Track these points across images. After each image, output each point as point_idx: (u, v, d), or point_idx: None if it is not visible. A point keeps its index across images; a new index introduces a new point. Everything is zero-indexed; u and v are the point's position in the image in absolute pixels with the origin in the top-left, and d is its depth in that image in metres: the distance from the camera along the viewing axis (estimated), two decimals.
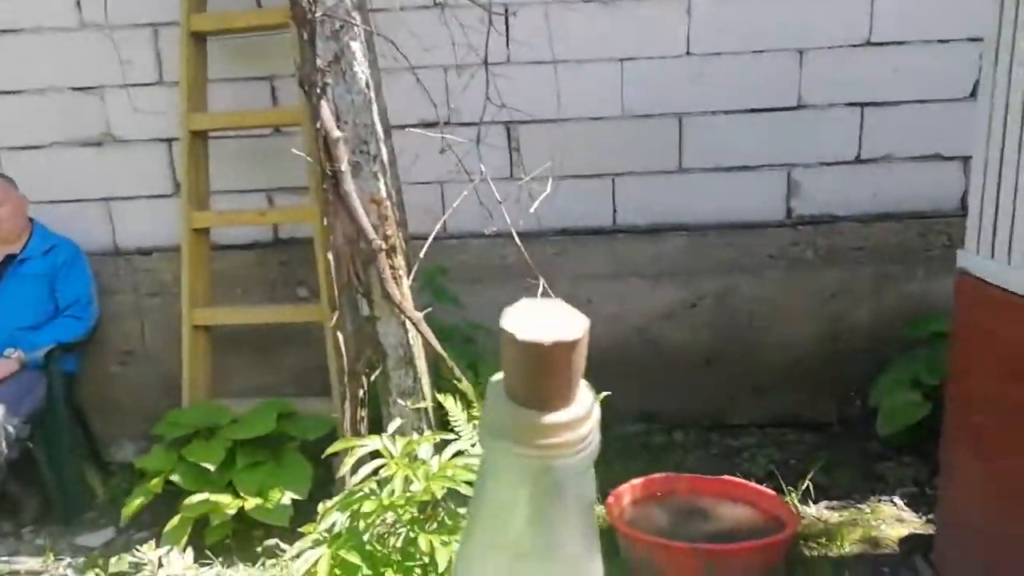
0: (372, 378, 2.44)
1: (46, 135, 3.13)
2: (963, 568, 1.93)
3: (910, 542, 2.26)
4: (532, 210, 2.53)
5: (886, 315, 3.04)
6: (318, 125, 2.21)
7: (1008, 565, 1.75)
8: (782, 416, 2.93)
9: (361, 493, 1.79)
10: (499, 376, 0.30)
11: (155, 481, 2.54)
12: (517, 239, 2.45)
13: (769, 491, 2.35)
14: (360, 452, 1.77)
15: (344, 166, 2.23)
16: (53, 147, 3.15)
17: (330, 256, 2.45)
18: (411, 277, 2.43)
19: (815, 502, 2.55)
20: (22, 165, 3.12)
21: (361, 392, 2.45)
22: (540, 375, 0.28)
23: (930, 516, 2.41)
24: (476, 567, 0.30)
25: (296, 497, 2.51)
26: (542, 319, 0.28)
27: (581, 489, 0.29)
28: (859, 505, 2.55)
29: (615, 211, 3.13)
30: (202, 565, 2.38)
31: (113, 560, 2.45)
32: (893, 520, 2.47)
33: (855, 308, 3.09)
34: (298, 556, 1.75)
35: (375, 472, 1.78)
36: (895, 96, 3.00)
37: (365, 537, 1.74)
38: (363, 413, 2.44)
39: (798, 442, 2.94)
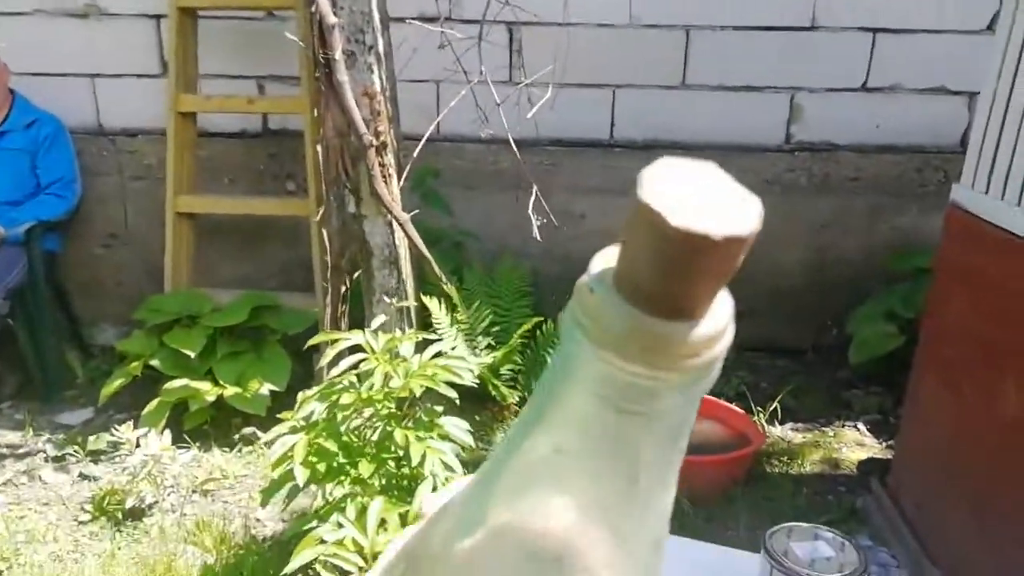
0: (356, 276, 2.44)
1: (28, 1, 3.00)
2: (916, 491, 2.01)
3: (868, 465, 2.33)
4: (530, 115, 2.47)
5: (874, 248, 3.05)
6: (313, 9, 2.12)
7: (959, 491, 1.81)
8: (759, 341, 2.97)
9: (340, 385, 1.81)
10: (607, 265, 0.22)
11: (135, 364, 2.56)
12: (513, 145, 2.41)
13: (738, 410, 2.41)
14: (341, 345, 1.78)
15: (338, 55, 2.15)
16: (36, 15, 3.02)
17: (319, 149, 2.40)
18: (402, 177, 2.39)
19: (781, 423, 2.62)
20: (3, 32, 2.99)
21: (344, 288, 2.44)
22: (693, 276, 0.21)
23: (890, 443, 2.49)
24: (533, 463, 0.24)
25: (275, 388, 2.54)
26: (697, 194, 0.20)
27: (685, 421, 0.23)
28: (823, 428, 2.62)
29: (613, 124, 3.07)
30: (179, 448, 2.43)
31: (92, 438, 2.49)
32: (854, 444, 2.55)
33: (844, 239, 3.09)
34: (274, 441, 1.78)
35: (354, 367, 1.80)
36: (910, 24, 2.91)
37: (342, 428, 1.77)
38: (344, 309, 2.44)
39: (771, 367, 3.00)
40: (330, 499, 1.75)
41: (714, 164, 0.22)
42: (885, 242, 3.04)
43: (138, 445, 2.25)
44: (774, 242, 3.06)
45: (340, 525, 1.68)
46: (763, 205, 0.22)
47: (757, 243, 0.22)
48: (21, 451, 2.52)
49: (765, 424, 2.56)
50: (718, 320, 0.22)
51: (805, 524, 1.19)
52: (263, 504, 1.92)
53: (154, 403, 2.47)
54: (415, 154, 2.36)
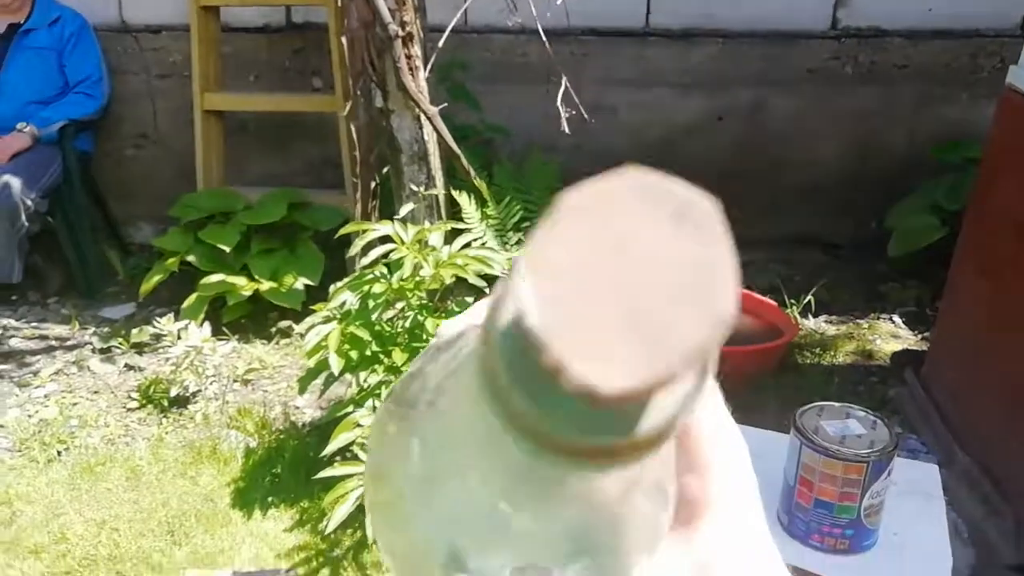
0: (385, 172, 2.42)
1: None
2: (949, 381, 1.99)
3: (902, 356, 2.32)
4: (560, 1, 2.37)
5: (919, 140, 2.93)
6: None
7: (993, 380, 1.80)
8: (794, 234, 2.91)
9: (371, 275, 1.82)
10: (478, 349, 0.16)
11: (172, 260, 2.60)
12: (543, 34, 2.32)
13: (771, 302, 2.39)
14: (371, 235, 1.79)
15: None
16: None
17: (343, 41, 2.34)
18: (427, 69, 2.33)
19: (815, 316, 2.60)
20: None
21: (373, 184, 2.43)
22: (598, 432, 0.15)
23: (926, 335, 2.46)
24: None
25: (309, 283, 2.58)
26: (628, 277, 0.12)
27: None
28: (858, 321, 2.60)
29: (648, 11, 2.94)
30: (219, 340, 2.50)
31: (135, 331, 2.57)
32: (889, 336, 2.53)
33: (888, 130, 2.96)
34: (309, 331, 1.82)
35: (384, 256, 1.81)
36: None
37: (374, 316, 1.80)
38: (375, 205, 2.44)
39: (806, 260, 2.95)
40: (365, 386, 1.80)
41: (698, 195, 0.13)
42: (931, 134, 2.92)
43: (179, 337, 2.32)
44: (813, 134, 2.96)
45: (375, 410, 1.72)
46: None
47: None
48: (69, 343, 2.61)
49: (798, 316, 2.54)
50: (662, 411, 0.15)
51: (836, 403, 1.19)
52: (300, 392, 1.98)
53: (192, 297, 2.52)
54: (439, 44, 2.29)
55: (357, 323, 1.79)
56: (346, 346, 1.79)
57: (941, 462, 1.90)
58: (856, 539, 1.12)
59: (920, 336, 2.50)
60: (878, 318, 2.61)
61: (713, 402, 0.25)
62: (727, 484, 0.25)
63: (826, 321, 2.59)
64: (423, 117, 2.30)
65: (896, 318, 2.61)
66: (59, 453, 2.11)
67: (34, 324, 2.73)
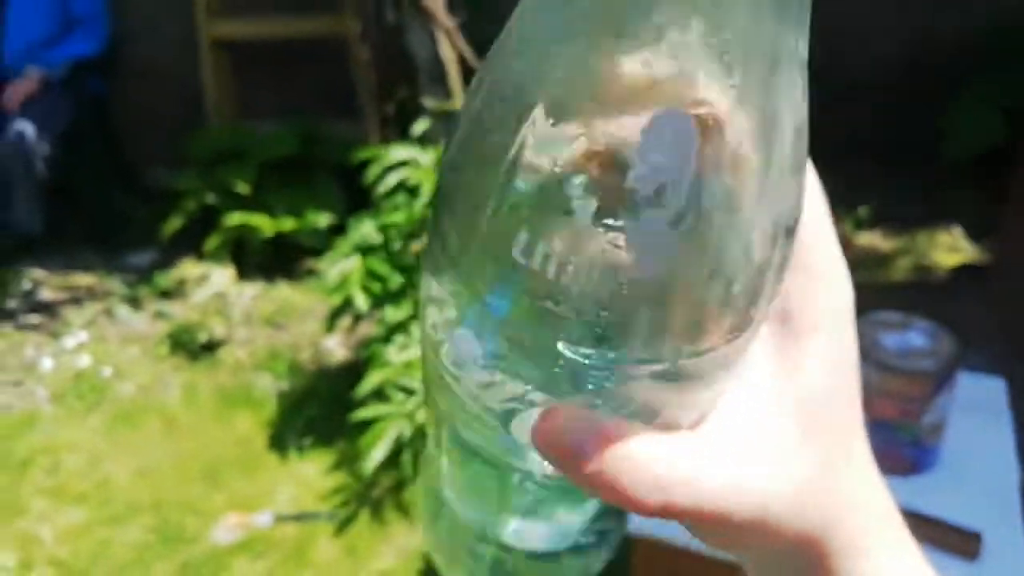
0: (401, 95, 2.29)
1: None
2: (1013, 292, 1.86)
3: (962, 270, 2.18)
4: None
5: (974, 28, 2.68)
6: None
7: None
8: (839, 140, 2.72)
9: (392, 204, 1.73)
10: None
11: (191, 202, 2.54)
12: None
13: None
14: (387, 161, 1.69)
15: None
16: None
17: None
18: None
19: (870, 229, 2.45)
20: None
21: (389, 110, 2.32)
22: None
23: (986, 247, 2.31)
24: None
25: (331, 220, 2.50)
26: None
27: None
28: (914, 233, 2.44)
29: None
30: (244, 283, 2.45)
31: (160, 277, 2.53)
32: (948, 249, 2.38)
33: (938, 18, 2.72)
34: (331, 267, 1.75)
35: (402, 183, 1.71)
36: None
37: (397, 247, 1.72)
38: (392, 133, 2.33)
39: (855, 169, 2.77)
40: (391, 323, 1.73)
41: None
42: (987, 20, 2.66)
43: (204, 281, 2.27)
44: (855, 28, 2.72)
45: (406, 347, 1.66)
46: None
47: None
48: (97, 292, 2.59)
49: (851, 231, 2.40)
50: None
51: (896, 313, 1.08)
52: (327, 330, 1.93)
53: (215, 239, 2.46)
54: None
55: (380, 257, 1.71)
56: (372, 281, 1.73)
57: (1005, 379, 1.79)
58: (918, 459, 1.05)
59: (981, 247, 2.34)
60: (935, 229, 2.45)
61: (818, 202, 0.23)
62: (836, 304, 0.22)
63: (881, 236, 2.44)
64: (440, 32, 2.15)
65: (955, 229, 2.44)
66: (96, 403, 2.10)
67: (60, 275, 2.70)
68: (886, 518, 0.23)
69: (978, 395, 1.22)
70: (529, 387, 0.19)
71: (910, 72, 2.77)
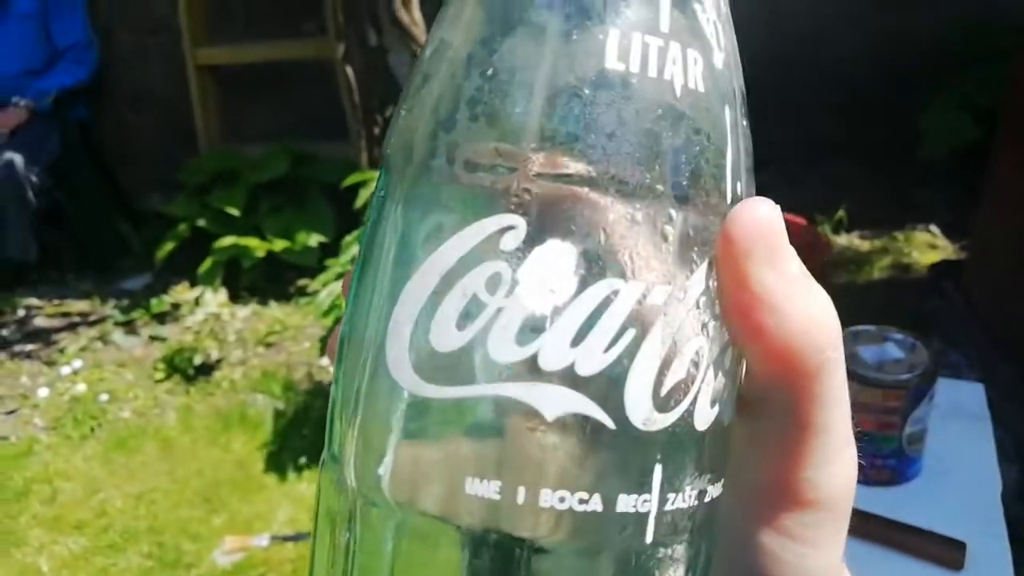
0: (387, 116, 2.33)
1: None
2: (990, 288, 1.90)
3: (941, 267, 2.22)
4: None
5: (946, 28, 2.73)
6: None
7: None
8: (816, 142, 2.77)
9: None
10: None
11: (183, 226, 2.57)
12: None
13: (800, 219, 2.29)
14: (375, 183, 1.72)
15: None
16: None
17: None
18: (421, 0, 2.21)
19: (848, 231, 2.50)
20: None
21: (376, 130, 2.35)
22: None
23: (964, 244, 2.35)
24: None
25: (322, 239, 2.53)
26: None
27: None
28: (893, 233, 2.49)
29: None
30: (237, 305, 2.48)
31: (154, 301, 2.56)
32: (926, 247, 2.42)
33: (909, 18, 2.77)
34: (322, 288, 1.78)
35: None
36: None
37: None
38: (380, 152, 2.36)
39: (833, 170, 2.82)
40: None
41: None
42: (960, 19, 2.71)
43: (197, 304, 2.30)
44: (828, 28, 2.77)
45: None
46: None
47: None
48: (92, 318, 2.61)
49: (830, 233, 2.44)
50: None
51: (873, 327, 1.11)
52: (322, 353, 1.96)
53: (207, 262, 2.49)
54: None
55: None
56: None
57: (984, 378, 1.83)
58: (900, 469, 1.07)
59: (958, 245, 2.39)
60: (914, 228, 2.50)
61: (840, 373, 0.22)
62: (837, 401, 0.21)
63: (860, 236, 2.49)
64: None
65: (933, 228, 2.49)
66: (92, 429, 2.12)
67: (55, 302, 2.72)
68: None
69: (959, 401, 1.22)
70: None
71: (885, 73, 2.82)
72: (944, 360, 1.91)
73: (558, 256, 0.18)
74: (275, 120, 3.06)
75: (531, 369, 0.18)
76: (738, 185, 0.21)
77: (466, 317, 0.18)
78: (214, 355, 2.28)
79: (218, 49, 2.84)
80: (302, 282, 2.58)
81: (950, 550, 0.91)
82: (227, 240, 2.50)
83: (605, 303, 0.19)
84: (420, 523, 0.19)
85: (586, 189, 0.19)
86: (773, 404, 0.21)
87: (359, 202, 1.79)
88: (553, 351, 0.18)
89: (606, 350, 0.19)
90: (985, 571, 0.92)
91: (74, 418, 2.15)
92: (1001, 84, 2.05)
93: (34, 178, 2.67)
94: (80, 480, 1.96)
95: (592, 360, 0.18)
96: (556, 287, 0.18)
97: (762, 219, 0.20)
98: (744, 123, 0.22)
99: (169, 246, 2.58)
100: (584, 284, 0.18)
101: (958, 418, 1.17)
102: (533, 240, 0.18)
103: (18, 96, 2.74)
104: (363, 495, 0.20)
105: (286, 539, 1.71)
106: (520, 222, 0.18)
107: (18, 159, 2.63)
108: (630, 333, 0.19)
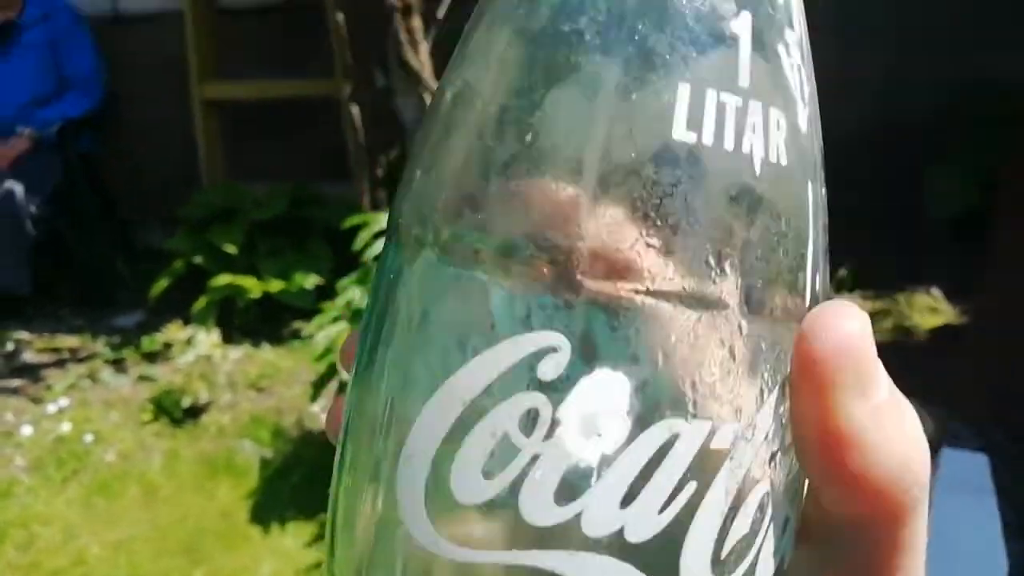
0: (392, 157, 2.32)
1: None
2: (993, 352, 1.88)
3: (943, 331, 2.20)
4: None
5: (950, 93, 2.75)
6: None
7: None
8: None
9: None
10: None
11: (178, 263, 2.54)
12: None
13: None
14: (377, 227, 1.70)
15: None
16: None
17: (340, 18, 2.24)
18: (430, 42, 2.22)
19: (849, 292, 2.48)
20: None
21: (380, 171, 2.34)
22: None
23: (966, 307, 2.34)
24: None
25: (318, 282, 2.50)
26: None
27: None
28: (894, 296, 2.47)
29: None
30: (230, 346, 2.44)
31: (145, 340, 2.52)
32: (927, 311, 2.40)
33: (917, 82, 2.79)
34: (318, 331, 1.75)
35: None
36: None
37: None
38: (384, 194, 2.35)
39: (834, 232, 2.81)
40: None
41: None
42: (963, 83, 2.73)
43: (189, 344, 2.26)
44: (831, 93, 2.78)
45: None
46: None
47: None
48: (82, 355, 2.57)
49: (832, 294, 2.42)
50: None
51: None
52: (313, 399, 1.92)
53: (202, 301, 2.46)
54: (440, 14, 2.16)
55: None
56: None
57: (986, 446, 1.80)
58: None
59: (960, 309, 2.37)
60: (916, 291, 2.49)
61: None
62: (917, 549, 0.19)
63: (861, 297, 2.47)
64: (427, 95, 2.19)
65: (935, 291, 2.47)
66: (75, 471, 2.07)
67: (46, 336, 2.68)
68: None
69: (962, 473, 1.21)
70: None
71: (889, 134, 2.84)
72: (945, 427, 1.88)
73: (609, 389, 0.15)
74: (279, 158, 3.06)
75: (572, 534, 0.15)
76: (817, 279, 0.18)
77: (494, 463, 0.15)
78: (203, 397, 2.24)
79: (225, 85, 2.85)
80: (297, 324, 2.55)
81: None
82: (222, 279, 2.47)
83: (663, 451, 0.15)
84: None
85: (643, 297, 0.16)
86: (847, 545, 0.19)
87: (359, 244, 1.76)
88: (600, 513, 0.15)
89: (661, 510, 0.15)
90: None
91: (57, 458, 2.10)
92: (1004, 149, 2.06)
93: (34, 208, 2.65)
94: (59, 525, 1.90)
95: (646, 524, 0.15)
96: (605, 430, 0.15)
97: (852, 336, 0.17)
98: (823, 194, 0.19)
99: (164, 283, 2.55)
100: (639, 426, 0.15)
101: (962, 491, 1.15)
102: (579, 367, 0.15)
103: (23, 125, 2.74)
104: None
105: None
106: (564, 343, 0.15)
107: (18, 189, 2.62)
108: (691, 487, 0.16)
